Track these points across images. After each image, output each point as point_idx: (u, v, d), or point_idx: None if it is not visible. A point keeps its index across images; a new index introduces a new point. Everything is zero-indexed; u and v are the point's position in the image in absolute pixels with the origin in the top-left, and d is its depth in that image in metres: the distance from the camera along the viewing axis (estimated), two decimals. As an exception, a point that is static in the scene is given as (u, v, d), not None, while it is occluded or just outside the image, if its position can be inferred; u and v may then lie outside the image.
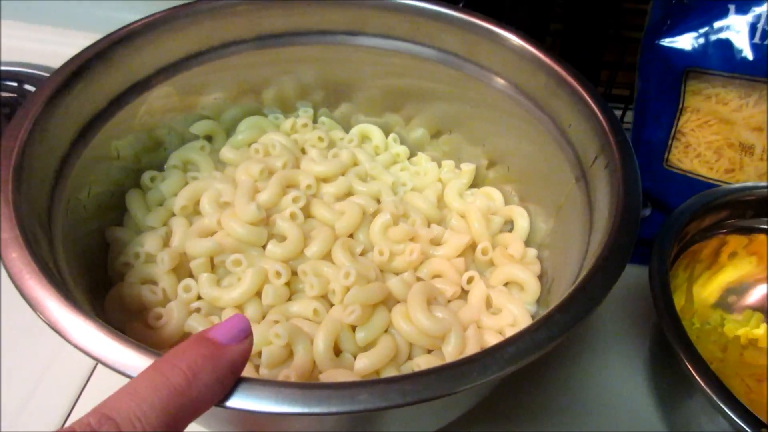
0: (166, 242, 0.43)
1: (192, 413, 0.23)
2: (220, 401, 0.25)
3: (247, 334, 0.26)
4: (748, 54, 0.46)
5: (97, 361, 0.27)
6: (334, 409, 0.25)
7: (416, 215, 0.45)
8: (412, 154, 0.54)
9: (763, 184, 0.45)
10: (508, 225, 0.48)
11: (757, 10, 0.46)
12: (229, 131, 0.51)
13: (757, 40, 0.46)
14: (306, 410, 0.25)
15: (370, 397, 0.25)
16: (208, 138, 0.50)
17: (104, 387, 0.43)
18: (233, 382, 0.25)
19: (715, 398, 0.34)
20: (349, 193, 0.47)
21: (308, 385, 0.25)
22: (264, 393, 0.25)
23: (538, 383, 0.47)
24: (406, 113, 0.53)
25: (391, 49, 0.48)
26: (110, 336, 0.27)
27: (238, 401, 0.25)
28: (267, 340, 0.36)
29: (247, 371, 0.36)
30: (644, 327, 0.50)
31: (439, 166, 0.52)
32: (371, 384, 0.26)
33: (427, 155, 0.53)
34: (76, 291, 0.34)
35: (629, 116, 0.57)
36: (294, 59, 0.49)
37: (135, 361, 0.26)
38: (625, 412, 0.45)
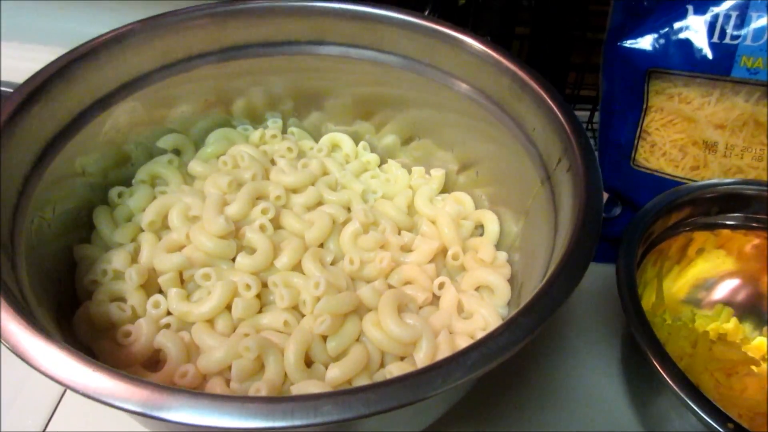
0: (134, 258, 0.42)
1: None
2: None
3: None
4: (708, 53, 0.47)
5: (60, 384, 0.26)
6: (297, 422, 0.25)
7: (386, 223, 0.45)
8: (382, 161, 0.54)
9: (726, 180, 0.46)
10: (479, 229, 0.48)
11: (715, 9, 0.47)
12: (198, 144, 0.51)
13: (715, 39, 0.46)
14: (270, 424, 0.25)
15: (333, 409, 0.25)
16: (177, 152, 0.50)
17: (74, 411, 0.43)
18: None
19: (682, 395, 0.34)
20: (319, 203, 0.47)
21: (271, 399, 0.25)
22: (227, 408, 0.25)
23: (513, 383, 0.47)
24: (375, 121, 0.53)
25: (357, 57, 0.48)
26: (74, 358, 0.27)
27: (201, 417, 0.25)
28: (237, 353, 0.36)
29: (218, 385, 0.36)
30: (617, 325, 0.51)
31: (410, 172, 0.52)
32: (335, 395, 0.26)
33: (398, 162, 0.53)
34: (41, 312, 0.33)
35: (597, 117, 0.57)
36: (260, 70, 0.49)
37: (101, 383, 0.26)
38: (600, 409, 0.46)
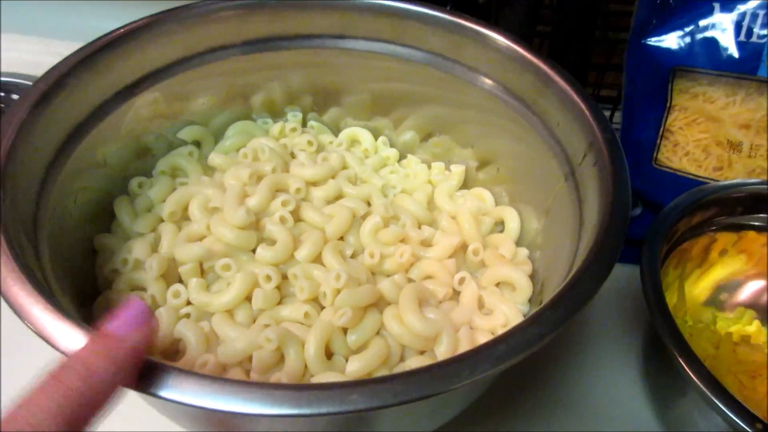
0: (154, 248, 0.42)
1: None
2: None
3: (145, 319, 0.27)
4: (734, 52, 0.46)
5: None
6: (324, 410, 0.24)
7: (406, 217, 0.45)
8: (402, 157, 0.54)
9: (752, 180, 0.45)
10: (499, 226, 0.48)
11: (742, 7, 0.46)
12: (218, 137, 0.51)
13: (742, 37, 0.46)
14: (296, 411, 0.24)
15: (360, 398, 0.25)
16: (197, 143, 0.50)
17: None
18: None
19: (709, 394, 0.34)
20: (338, 197, 0.47)
21: (298, 387, 0.25)
22: (254, 395, 0.25)
23: (533, 383, 0.47)
24: (395, 116, 0.53)
25: (379, 52, 0.48)
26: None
27: (228, 404, 0.25)
28: (258, 344, 0.36)
29: (238, 376, 0.36)
30: (637, 327, 0.50)
31: (429, 168, 0.52)
32: (362, 384, 0.25)
33: (417, 158, 0.53)
34: (63, 298, 0.33)
35: (618, 117, 0.57)
36: (281, 64, 0.49)
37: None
38: (620, 410, 0.45)
